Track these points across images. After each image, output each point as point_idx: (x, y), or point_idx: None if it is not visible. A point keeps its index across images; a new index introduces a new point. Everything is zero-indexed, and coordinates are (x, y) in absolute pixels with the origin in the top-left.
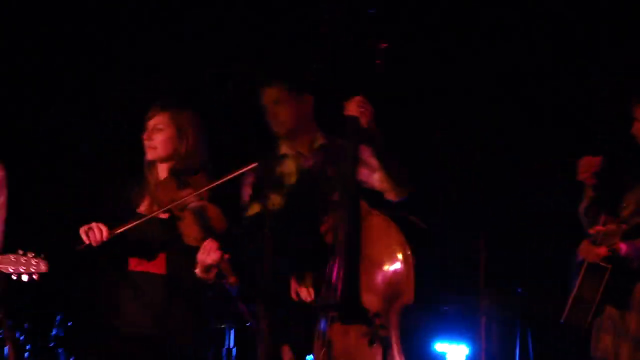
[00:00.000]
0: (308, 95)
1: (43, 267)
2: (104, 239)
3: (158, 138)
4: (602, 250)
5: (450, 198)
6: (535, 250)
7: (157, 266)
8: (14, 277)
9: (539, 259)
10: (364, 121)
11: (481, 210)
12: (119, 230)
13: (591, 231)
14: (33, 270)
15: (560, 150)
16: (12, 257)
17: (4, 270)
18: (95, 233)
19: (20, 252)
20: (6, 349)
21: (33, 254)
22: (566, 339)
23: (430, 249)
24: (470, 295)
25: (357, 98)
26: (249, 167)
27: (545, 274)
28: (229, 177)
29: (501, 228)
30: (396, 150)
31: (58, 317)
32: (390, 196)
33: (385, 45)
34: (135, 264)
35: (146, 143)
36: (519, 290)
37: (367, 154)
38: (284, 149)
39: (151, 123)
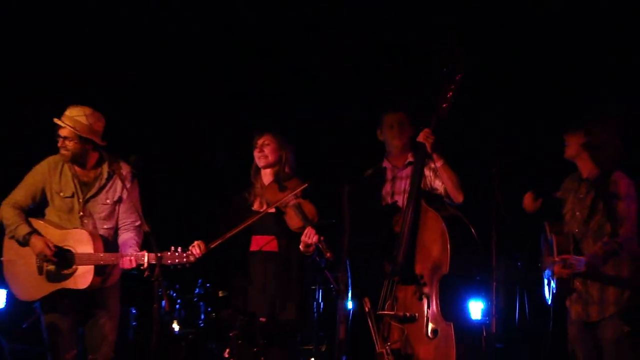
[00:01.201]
0: (414, 126)
1: (192, 258)
2: (203, 252)
3: (267, 150)
4: (564, 273)
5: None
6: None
7: (271, 247)
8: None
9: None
10: (428, 146)
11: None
12: (214, 245)
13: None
14: (185, 261)
15: None
16: (169, 253)
17: (170, 262)
18: (195, 249)
19: (172, 248)
20: (163, 302)
21: (181, 248)
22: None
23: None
24: (486, 268)
25: (425, 130)
26: (304, 186)
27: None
28: (307, 185)
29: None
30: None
31: (199, 281)
32: (448, 199)
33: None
34: (255, 246)
35: (258, 154)
36: (519, 264)
37: (432, 168)
38: (385, 163)
39: (260, 141)
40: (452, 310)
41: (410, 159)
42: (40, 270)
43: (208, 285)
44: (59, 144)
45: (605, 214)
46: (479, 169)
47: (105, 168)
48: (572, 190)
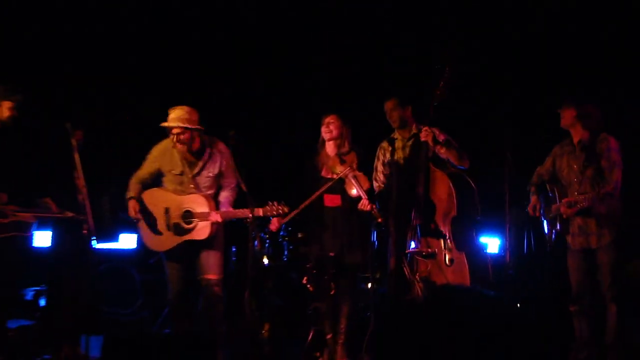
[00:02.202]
0: (408, 106)
1: (281, 212)
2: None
3: (332, 126)
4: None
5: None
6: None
7: (338, 202)
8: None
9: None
10: (430, 142)
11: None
12: (293, 214)
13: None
14: (280, 212)
15: None
16: (267, 207)
17: (269, 214)
18: (282, 209)
19: (269, 202)
20: (255, 242)
21: (277, 202)
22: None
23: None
24: (501, 211)
25: (424, 129)
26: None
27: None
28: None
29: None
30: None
31: (283, 225)
32: (454, 167)
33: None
34: (327, 202)
35: (325, 130)
36: (526, 210)
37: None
38: (396, 134)
39: (327, 119)
40: (462, 243)
41: (414, 130)
42: (168, 227)
43: (290, 228)
44: (174, 140)
45: (597, 165)
46: (493, 132)
47: (206, 148)
48: (565, 152)
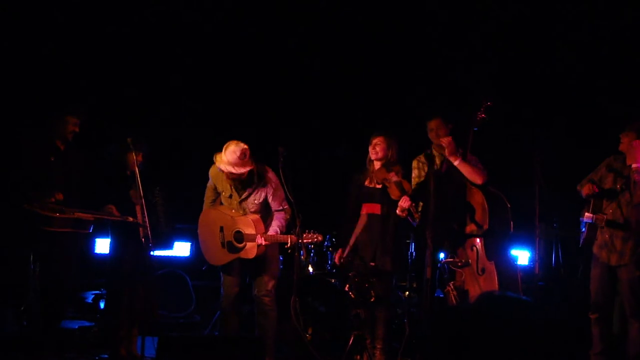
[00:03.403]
0: (451, 124)
1: (320, 238)
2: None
3: (378, 148)
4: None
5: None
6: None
7: (376, 210)
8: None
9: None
10: (447, 152)
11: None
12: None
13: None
14: (315, 241)
15: None
16: (306, 234)
17: (305, 242)
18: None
19: (306, 231)
20: (302, 252)
21: (313, 231)
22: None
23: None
24: (531, 225)
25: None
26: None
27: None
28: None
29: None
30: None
31: (327, 236)
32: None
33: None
34: (366, 210)
35: (372, 150)
36: (555, 225)
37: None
38: (434, 150)
39: (374, 141)
40: (493, 254)
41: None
42: (222, 244)
43: (334, 239)
44: (227, 177)
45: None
46: (525, 153)
47: (255, 178)
48: (617, 168)
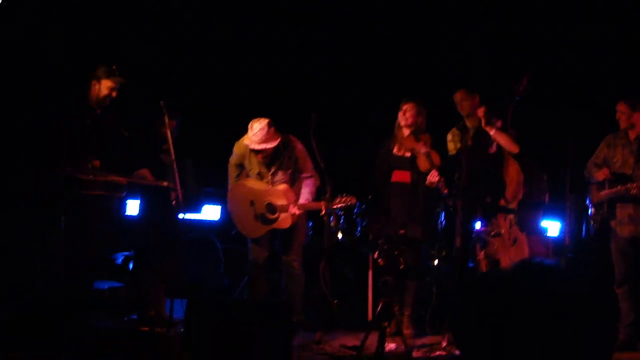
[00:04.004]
0: (476, 95)
1: (353, 200)
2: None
3: (408, 114)
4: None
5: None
6: None
7: (406, 179)
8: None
9: None
10: (483, 122)
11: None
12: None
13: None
14: (349, 204)
15: None
16: (337, 200)
17: (338, 206)
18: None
19: (339, 195)
20: (331, 218)
21: (345, 194)
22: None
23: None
24: (562, 196)
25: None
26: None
27: None
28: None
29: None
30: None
31: (357, 202)
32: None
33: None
34: (396, 178)
35: (402, 116)
36: (586, 195)
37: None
38: (467, 122)
39: (405, 107)
40: (525, 225)
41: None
42: (255, 217)
43: (364, 206)
44: (257, 156)
45: None
46: (556, 120)
47: (281, 150)
48: (619, 144)
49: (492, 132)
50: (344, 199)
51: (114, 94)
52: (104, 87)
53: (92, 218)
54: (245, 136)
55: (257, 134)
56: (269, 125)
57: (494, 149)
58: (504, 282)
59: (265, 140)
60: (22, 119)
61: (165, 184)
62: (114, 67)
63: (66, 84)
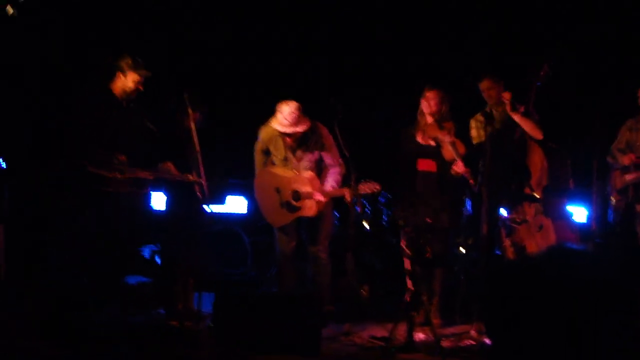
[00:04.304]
0: (502, 82)
1: (378, 187)
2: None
3: (432, 102)
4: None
5: None
6: None
7: (432, 167)
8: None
9: None
10: (508, 107)
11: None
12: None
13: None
14: (374, 190)
15: None
16: (362, 185)
17: (363, 192)
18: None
19: (363, 181)
20: (357, 208)
21: (370, 180)
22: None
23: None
24: (588, 181)
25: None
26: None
27: None
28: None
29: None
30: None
31: (383, 192)
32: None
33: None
34: (421, 167)
35: (425, 103)
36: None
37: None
38: (492, 109)
39: (428, 94)
40: (550, 211)
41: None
42: (281, 205)
43: (389, 195)
44: (287, 139)
45: None
46: (583, 105)
47: (308, 135)
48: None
49: (516, 118)
50: (368, 185)
51: (140, 87)
52: (130, 80)
53: (119, 214)
54: (273, 119)
55: (287, 117)
56: (299, 107)
57: (517, 135)
58: (531, 269)
59: (295, 124)
60: (47, 116)
61: (190, 177)
62: (139, 59)
63: (90, 80)
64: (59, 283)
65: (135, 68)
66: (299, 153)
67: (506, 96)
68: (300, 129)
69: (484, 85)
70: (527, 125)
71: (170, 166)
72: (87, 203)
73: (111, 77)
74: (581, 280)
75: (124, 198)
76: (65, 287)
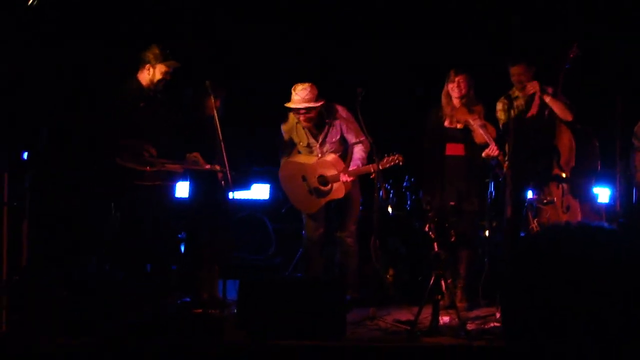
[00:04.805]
0: (534, 67)
1: (401, 158)
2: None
3: (462, 85)
4: None
5: None
6: None
7: (460, 151)
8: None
9: None
10: (537, 94)
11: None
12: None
13: None
14: (397, 162)
15: None
16: (384, 160)
17: (387, 166)
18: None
19: (385, 155)
20: (381, 192)
21: (392, 153)
22: None
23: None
24: (612, 162)
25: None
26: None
27: None
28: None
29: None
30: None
31: (406, 176)
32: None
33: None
34: (449, 151)
35: (453, 87)
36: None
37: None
38: (516, 92)
39: (456, 78)
40: (577, 192)
41: (532, 90)
42: (310, 192)
43: (413, 179)
44: (301, 119)
45: None
46: (606, 85)
47: (325, 118)
48: None
49: (547, 100)
50: (392, 158)
51: (168, 77)
52: (159, 71)
53: (150, 207)
54: (290, 104)
55: (299, 93)
56: (312, 86)
57: (545, 116)
58: (553, 245)
59: (308, 100)
60: (77, 112)
61: (218, 167)
62: (167, 50)
63: (118, 72)
64: (86, 277)
65: (163, 59)
66: (320, 137)
67: (532, 88)
68: (312, 104)
69: (516, 69)
70: (557, 107)
71: (198, 157)
72: (118, 197)
73: (139, 68)
74: (605, 259)
75: (153, 191)
76: (92, 282)
